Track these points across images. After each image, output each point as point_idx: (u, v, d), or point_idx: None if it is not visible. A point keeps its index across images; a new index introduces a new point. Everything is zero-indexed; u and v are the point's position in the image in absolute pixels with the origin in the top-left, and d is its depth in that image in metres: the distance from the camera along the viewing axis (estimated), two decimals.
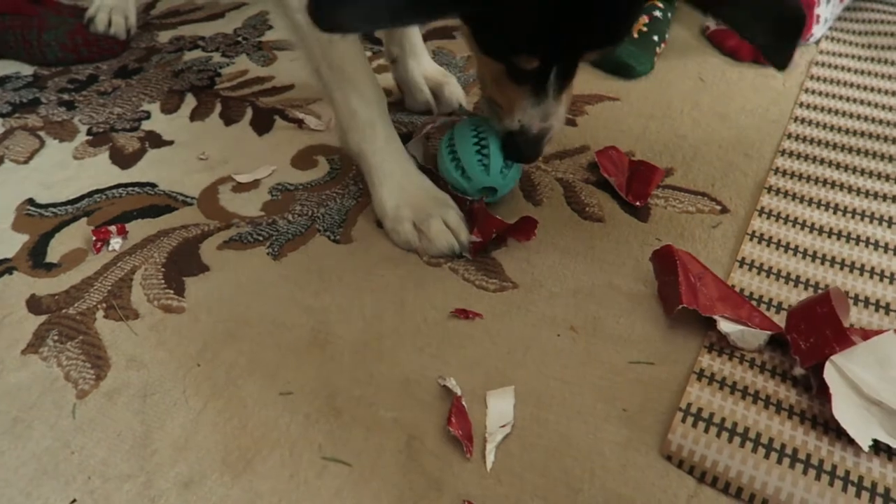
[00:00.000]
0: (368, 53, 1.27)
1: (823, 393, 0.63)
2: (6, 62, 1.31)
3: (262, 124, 1.11)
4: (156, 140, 1.08)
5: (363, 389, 0.69)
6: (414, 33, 1.08)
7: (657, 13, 1.28)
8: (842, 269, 0.80)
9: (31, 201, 0.96)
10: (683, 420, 0.63)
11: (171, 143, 1.08)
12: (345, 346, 0.74)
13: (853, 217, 0.88)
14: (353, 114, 0.85)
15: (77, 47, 1.29)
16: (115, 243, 0.87)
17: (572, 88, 0.81)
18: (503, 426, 0.64)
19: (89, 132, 1.11)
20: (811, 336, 0.66)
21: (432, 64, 1.11)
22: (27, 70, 1.29)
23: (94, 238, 0.86)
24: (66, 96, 1.20)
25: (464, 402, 0.67)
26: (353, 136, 0.87)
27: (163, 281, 0.82)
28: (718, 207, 0.91)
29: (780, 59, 0.69)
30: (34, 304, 0.80)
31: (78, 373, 0.71)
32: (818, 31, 1.26)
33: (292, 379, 0.70)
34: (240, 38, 1.39)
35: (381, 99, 0.87)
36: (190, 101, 1.18)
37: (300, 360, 0.73)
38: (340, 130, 0.88)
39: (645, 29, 1.25)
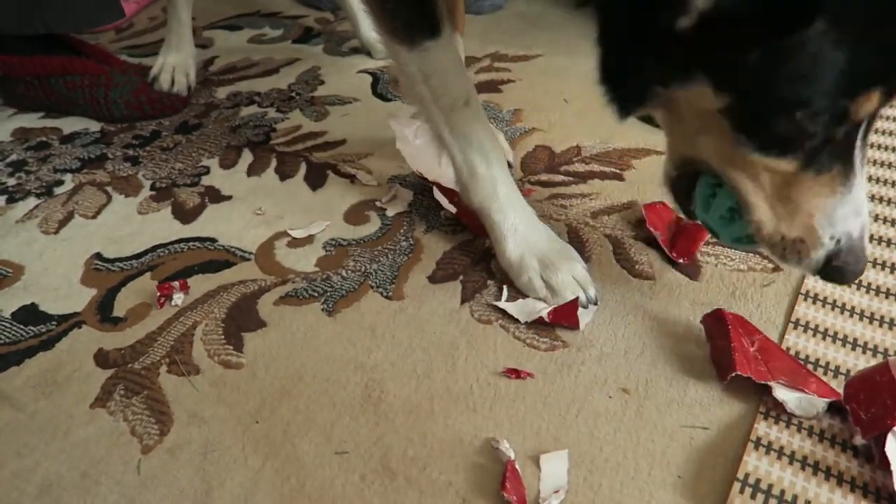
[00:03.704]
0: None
1: (887, 464, 0.62)
2: (75, 119, 1.38)
3: (315, 179, 1.15)
4: (215, 195, 1.13)
5: (417, 450, 0.70)
6: None
7: None
8: None
9: (98, 256, 1.01)
10: (741, 491, 0.62)
11: (229, 197, 1.12)
12: (398, 404, 0.75)
13: None
14: (474, 172, 0.89)
15: (142, 105, 1.36)
16: (178, 298, 0.91)
17: None
18: (557, 492, 0.64)
19: (153, 187, 1.16)
20: (871, 406, 0.65)
21: None
22: (95, 126, 1.36)
23: (158, 293, 0.90)
24: (131, 152, 1.27)
25: (517, 466, 0.67)
26: (474, 194, 0.90)
27: (223, 336, 0.85)
28: (770, 265, 0.90)
29: None
30: (102, 359, 0.83)
31: (143, 428, 0.74)
32: None
33: (347, 438, 0.72)
34: (293, 94, 1.45)
35: (501, 156, 0.91)
36: (247, 157, 1.23)
37: (354, 418, 0.74)
38: (461, 187, 0.92)
39: None
